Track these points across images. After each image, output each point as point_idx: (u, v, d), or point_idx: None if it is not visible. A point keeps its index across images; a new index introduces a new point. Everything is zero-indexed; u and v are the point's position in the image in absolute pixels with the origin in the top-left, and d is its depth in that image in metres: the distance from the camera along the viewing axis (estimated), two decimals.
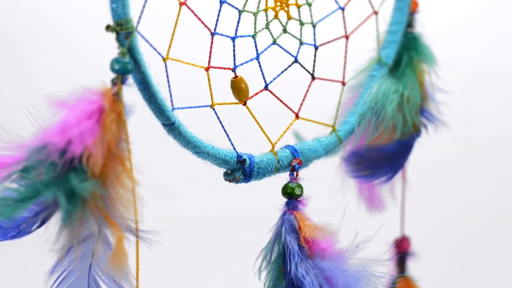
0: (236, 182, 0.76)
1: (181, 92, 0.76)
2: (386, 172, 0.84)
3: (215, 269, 1.02)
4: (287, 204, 0.76)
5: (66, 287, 0.69)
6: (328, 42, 0.80)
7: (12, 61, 1.07)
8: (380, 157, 0.83)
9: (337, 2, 0.81)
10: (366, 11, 0.82)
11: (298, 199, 0.76)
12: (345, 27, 0.82)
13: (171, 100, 0.72)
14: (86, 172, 0.66)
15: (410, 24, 0.87)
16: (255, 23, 0.76)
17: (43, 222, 0.68)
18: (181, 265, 1.18)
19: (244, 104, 0.76)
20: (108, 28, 0.67)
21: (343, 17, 0.81)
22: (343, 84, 0.83)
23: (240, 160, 0.75)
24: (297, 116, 0.80)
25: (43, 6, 1.08)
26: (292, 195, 0.76)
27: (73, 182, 0.65)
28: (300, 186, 0.77)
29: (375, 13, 0.84)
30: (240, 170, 0.75)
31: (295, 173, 0.78)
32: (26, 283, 0.76)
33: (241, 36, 0.75)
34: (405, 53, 0.86)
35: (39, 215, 0.67)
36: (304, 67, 0.79)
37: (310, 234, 0.73)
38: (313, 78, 0.80)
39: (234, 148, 0.75)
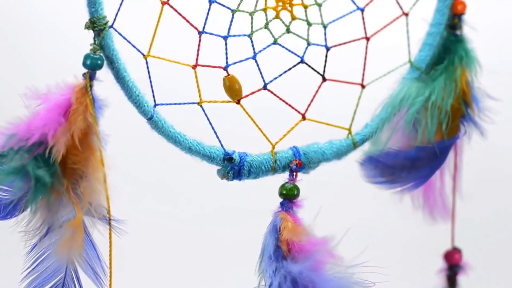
0: (228, 180, 0.77)
1: (182, 90, 0.79)
2: (411, 180, 0.80)
3: (215, 268, 1.02)
4: (281, 204, 0.76)
5: (44, 268, 0.75)
6: (344, 43, 0.78)
7: (10, 56, 1.14)
8: (399, 164, 0.79)
9: (354, 3, 0.78)
10: (380, 11, 0.79)
11: (293, 200, 0.75)
12: (364, 28, 0.79)
13: (153, 96, 0.74)
14: (47, 160, 0.71)
15: (454, 26, 0.82)
16: (251, 23, 0.76)
17: (26, 206, 0.74)
18: (181, 263, 1.20)
19: (238, 102, 0.77)
20: (85, 25, 0.72)
21: (363, 18, 0.78)
22: (363, 87, 0.80)
23: (227, 157, 0.76)
24: (303, 117, 0.79)
25: (41, 3, 1.15)
26: (286, 196, 0.76)
27: (29, 169, 0.70)
28: (295, 188, 0.76)
29: (405, 14, 0.80)
30: (229, 167, 0.76)
31: (294, 174, 0.77)
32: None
33: (234, 36, 0.76)
34: (447, 57, 0.81)
35: (21, 199, 0.74)
36: (313, 68, 0.78)
37: (287, 235, 0.72)
38: (324, 79, 0.78)
39: (222, 146, 0.76)
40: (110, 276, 0.74)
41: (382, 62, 0.80)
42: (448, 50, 0.82)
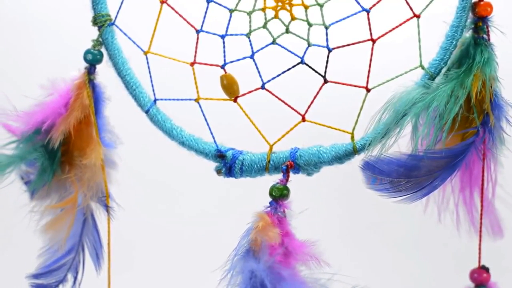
0: (223, 176, 0.78)
1: (184, 87, 0.81)
2: (411, 189, 0.77)
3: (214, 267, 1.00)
4: (269, 204, 0.76)
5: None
6: (348, 45, 0.77)
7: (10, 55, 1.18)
8: (394, 171, 0.76)
9: (359, 4, 0.77)
10: (385, 11, 0.77)
11: (279, 201, 0.75)
12: (370, 30, 0.77)
13: (153, 91, 0.77)
14: (48, 147, 0.76)
15: (476, 30, 0.78)
16: (250, 22, 0.77)
17: (29, 188, 0.79)
18: (179, 262, 1.18)
19: (235, 100, 0.77)
20: (91, 21, 0.77)
21: (368, 19, 0.77)
22: (368, 90, 0.78)
23: (218, 154, 0.77)
24: (303, 119, 0.78)
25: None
26: (274, 196, 0.75)
27: (23, 154, 0.75)
28: (284, 188, 0.75)
29: (417, 16, 0.77)
30: (222, 164, 0.77)
31: (286, 175, 0.77)
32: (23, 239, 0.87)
33: (231, 35, 0.77)
34: (466, 62, 0.78)
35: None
36: (313, 69, 0.77)
37: (254, 235, 0.72)
38: (325, 81, 0.78)
39: (215, 142, 0.77)
40: (109, 260, 0.78)
41: (389, 64, 0.78)
42: (468, 54, 0.78)
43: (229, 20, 0.77)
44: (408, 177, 0.77)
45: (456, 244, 0.84)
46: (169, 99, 0.78)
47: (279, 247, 0.72)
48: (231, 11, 0.77)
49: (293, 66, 0.77)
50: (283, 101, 0.77)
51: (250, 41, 0.77)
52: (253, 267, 0.70)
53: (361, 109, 0.78)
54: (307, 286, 0.71)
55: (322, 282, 0.71)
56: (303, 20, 0.77)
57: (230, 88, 0.77)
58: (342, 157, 0.78)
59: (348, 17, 0.77)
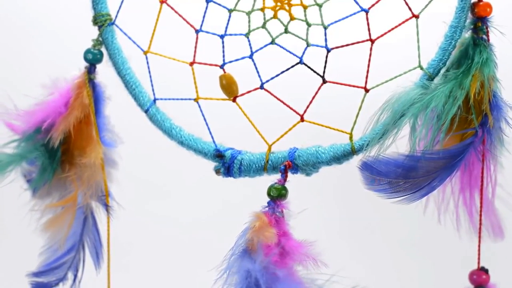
0: (222, 176, 0.78)
1: (185, 87, 0.81)
2: (409, 190, 0.77)
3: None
4: (267, 204, 0.76)
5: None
6: (347, 45, 0.77)
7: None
8: (392, 171, 0.76)
9: (358, 4, 0.77)
10: (384, 11, 0.77)
11: (277, 201, 0.75)
12: (369, 30, 0.77)
13: (153, 91, 0.78)
14: (44, 146, 0.76)
15: (476, 30, 0.78)
16: (249, 22, 0.77)
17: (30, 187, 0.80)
18: (179, 263, 1.18)
19: (234, 100, 0.78)
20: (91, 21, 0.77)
21: (367, 20, 0.77)
22: (366, 90, 0.78)
23: (217, 154, 0.77)
24: (302, 119, 0.78)
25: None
26: (272, 196, 0.75)
27: (22, 152, 0.75)
28: (282, 189, 0.75)
29: (415, 16, 0.77)
30: (221, 164, 0.77)
31: (284, 175, 0.77)
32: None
33: (231, 35, 0.77)
34: (465, 62, 0.78)
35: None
36: (312, 69, 0.77)
37: (251, 235, 0.72)
38: (324, 81, 0.78)
39: (214, 142, 0.78)
40: (108, 259, 0.79)
41: (388, 65, 0.78)
42: (467, 55, 0.78)
43: (228, 20, 0.77)
44: (406, 178, 0.77)
45: (456, 245, 0.83)
46: (169, 99, 0.78)
47: (275, 247, 0.72)
48: (230, 11, 0.77)
49: (292, 66, 0.78)
50: (282, 101, 0.78)
51: (249, 41, 0.78)
52: (248, 267, 0.71)
53: (359, 109, 0.78)
54: (303, 287, 0.71)
55: (319, 283, 0.71)
56: (302, 20, 0.77)
57: (229, 88, 0.77)
58: (340, 157, 0.78)
59: (347, 17, 0.77)
